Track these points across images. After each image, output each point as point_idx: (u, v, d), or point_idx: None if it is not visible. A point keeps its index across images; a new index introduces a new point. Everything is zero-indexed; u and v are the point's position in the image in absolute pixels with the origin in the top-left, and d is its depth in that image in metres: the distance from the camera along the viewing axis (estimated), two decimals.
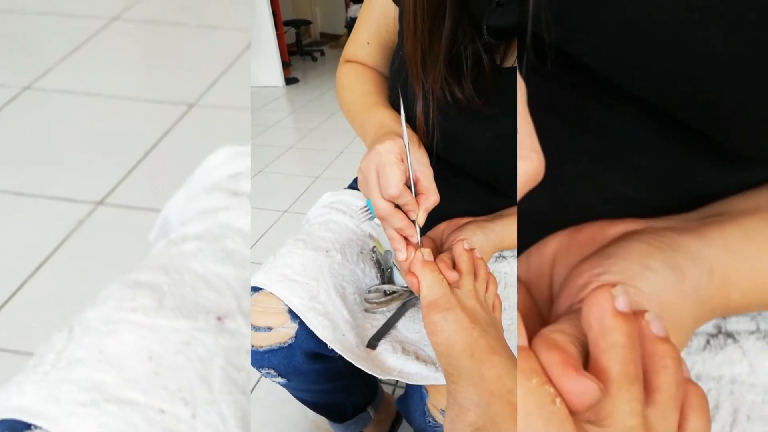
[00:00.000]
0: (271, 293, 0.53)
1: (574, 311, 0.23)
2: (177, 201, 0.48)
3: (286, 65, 4.25)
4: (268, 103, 3.62)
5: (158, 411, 0.31)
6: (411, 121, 0.52)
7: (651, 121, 0.31)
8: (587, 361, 0.21)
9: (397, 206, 0.44)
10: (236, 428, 0.33)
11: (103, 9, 1.93)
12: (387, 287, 0.62)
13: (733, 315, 0.29)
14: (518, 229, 0.30)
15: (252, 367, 1.09)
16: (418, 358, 0.53)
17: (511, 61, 0.49)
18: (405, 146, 0.45)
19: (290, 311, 0.53)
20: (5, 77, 1.68)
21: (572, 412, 0.19)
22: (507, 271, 0.59)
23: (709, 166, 0.31)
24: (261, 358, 0.55)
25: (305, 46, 5.50)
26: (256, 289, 0.54)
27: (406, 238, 0.44)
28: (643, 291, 0.23)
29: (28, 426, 0.30)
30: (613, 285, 0.22)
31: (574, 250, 0.27)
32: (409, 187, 0.45)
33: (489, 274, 0.43)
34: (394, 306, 0.61)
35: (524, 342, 0.20)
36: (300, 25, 5.33)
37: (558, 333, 0.21)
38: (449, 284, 0.39)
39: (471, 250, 0.42)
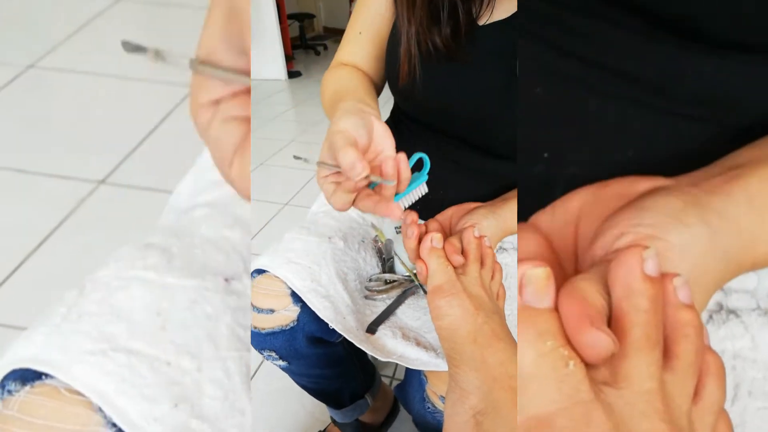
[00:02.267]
0: (275, 276, 0.53)
1: (607, 261, 0.22)
2: (186, 182, 0.48)
3: (289, 59, 4.24)
4: (270, 96, 3.61)
5: (164, 363, 0.32)
6: (395, 74, 0.59)
7: (648, 88, 0.31)
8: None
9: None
10: (241, 384, 0.34)
11: None
12: (388, 276, 0.63)
13: (759, 269, 0.28)
14: (518, 191, 0.30)
15: (250, 357, 1.09)
16: (418, 344, 0.53)
17: (485, 19, 0.54)
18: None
19: (293, 295, 0.53)
20: (9, 56, 1.69)
21: (588, 366, 0.19)
22: (507, 262, 0.59)
23: (707, 132, 0.31)
24: (263, 340, 0.55)
25: (308, 40, 5.49)
26: (260, 272, 0.55)
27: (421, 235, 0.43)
28: (675, 245, 0.23)
29: (39, 375, 0.30)
30: (646, 244, 0.22)
31: (602, 203, 0.27)
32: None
33: (495, 263, 0.43)
34: (394, 294, 0.61)
35: (547, 304, 0.20)
36: (303, 18, 5.31)
37: (586, 281, 0.21)
38: (455, 268, 0.39)
39: (480, 237, 0.42)
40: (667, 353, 0.21)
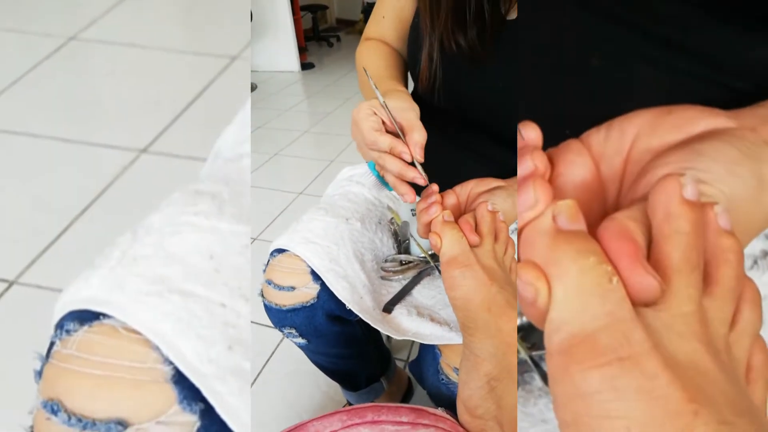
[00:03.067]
0: (295, 254, 0.55)
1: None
2: (230, 132, 0.48)
3: (302, 50, 4.26)
4: (284, 88, 3.63)
5: (219, 305, 0.33)
6: (416, 75, 0.58)
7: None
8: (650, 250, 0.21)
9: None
10: None
11: None
12: (403, 257, 0.64)
13: None
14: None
15: (262, 341, 1.11)
16: (432, 320, 0.55)
17: (513, 14, 0.53)
18: (379, 102, 0.47)
19: (312, 272, 0.55)
20: (52, 28, 1.72)
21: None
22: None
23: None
24: (284, 317, 0.58)
25: (321, 32, 5.49)
26: (280, 251, 0.57)
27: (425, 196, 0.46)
28: (724, 194, 0.22)
29: (97, 316, 0.30)
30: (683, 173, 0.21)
31: (660, 131, 0.26)
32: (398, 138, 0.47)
33: (509, 238, 0.44)
34: (410, 275, 0.63)
35: (582, 227, 0.20)
36: (317, 10, 5.32)
37: (631, 220, 0.21)
38: (470, 244, 0.40)
39: (494, 212, 0.43)
40: (707, 279, 0.21)
